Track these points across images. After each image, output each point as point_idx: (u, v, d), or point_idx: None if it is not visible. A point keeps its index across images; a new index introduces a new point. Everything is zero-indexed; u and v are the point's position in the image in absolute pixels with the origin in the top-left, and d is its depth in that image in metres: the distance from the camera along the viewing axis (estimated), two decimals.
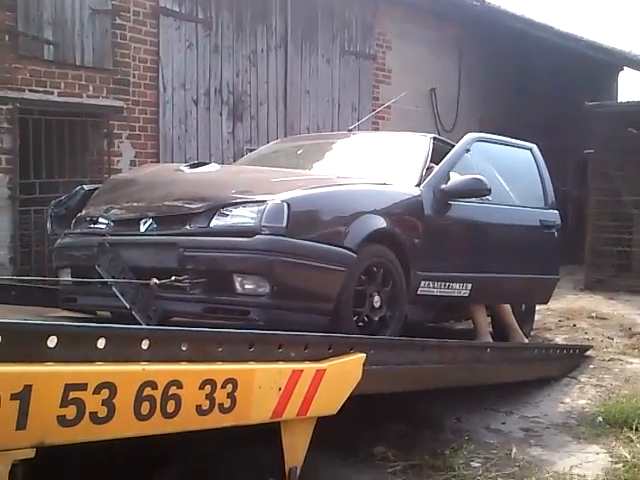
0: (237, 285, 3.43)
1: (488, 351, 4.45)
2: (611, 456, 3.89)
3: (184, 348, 2.58)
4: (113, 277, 3.57)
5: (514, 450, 3.97)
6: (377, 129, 9.17)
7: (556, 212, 5.39)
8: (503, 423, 4.45)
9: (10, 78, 6.02)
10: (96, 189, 4.41)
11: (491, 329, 5.42)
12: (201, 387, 2.55)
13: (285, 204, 3.46)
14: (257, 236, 3.40)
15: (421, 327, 4.88)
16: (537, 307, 6.34)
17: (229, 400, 2.64)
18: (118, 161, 6.87)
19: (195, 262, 3.49)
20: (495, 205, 4.83)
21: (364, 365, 3.24)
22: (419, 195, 4.27)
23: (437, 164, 4.59)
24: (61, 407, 2.12)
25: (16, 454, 2.04)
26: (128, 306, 3.49)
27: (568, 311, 7.48)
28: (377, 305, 3.81)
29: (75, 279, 3.89)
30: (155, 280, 3.45)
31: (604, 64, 11.98)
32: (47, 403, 2.09)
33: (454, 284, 4.43)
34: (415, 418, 4.36)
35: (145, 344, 2.44)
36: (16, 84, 6.06)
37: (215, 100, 7.71)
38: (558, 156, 11.88)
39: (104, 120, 6.75)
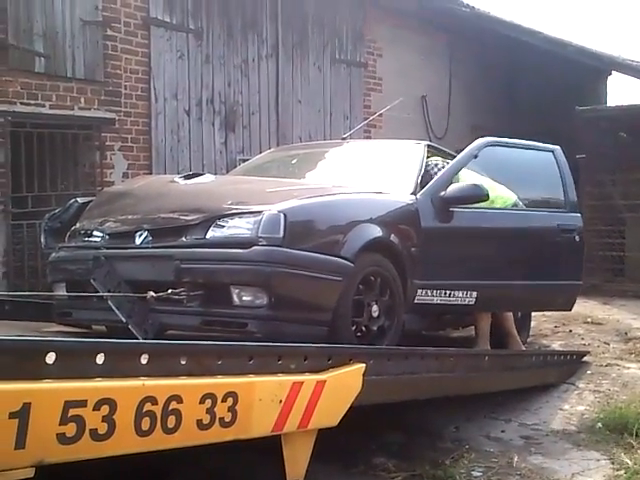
0: (234, 297, 3.40)
1: (486, 359, 4.44)
2: (612, 463, 3.88)
3: (183, 362, 2.55)
4: (109, 291, 3.54)
5: (515, 459, 3.95)
6: (369, 137, 9.17)
7: (578, 215, 5.17)
8: (503, 431, 4.43)
9: (1, 91, 5.99)
10: (90, 202, 4.38)
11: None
12: (201, 401, 2.52)
13: (282, 214, 3.44)
14: (254, 247, 3.38)
15: (417, 336, 4.86)
16: (533, 313, 6.33)
17: (230, 414, 2.61)
18: (111, 173, 6.84)
19: (192, 274, 3.47)
20: (503, 210, 4.76)
21: (364, 375, 3.22)
22: (415, 203, 4.26)
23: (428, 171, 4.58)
24: (61, 425, 2.09)
25: (15, 474, 2.01)
26: (124, 320, 3.47)
27: (564, 317, 7.46)
28: (375, 314, 3.79)
29: (70, 293, 3.85)
30: (152, 293, 3.42)
31: (593, 69, 12.01)
32: (46, 421, 2.06)
33: (457, 292, 4.35)
34: (414, 428, 4.34)
35: (144, 359, 2.41)
36: (7, 97, 6.03)
37: (207, 110, 7.70)
38: None
39: (96, 132, 6.72)
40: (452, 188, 4.34)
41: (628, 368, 5.55)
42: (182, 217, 3.61)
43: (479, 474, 3.80)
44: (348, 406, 3.12)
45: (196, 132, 7.58)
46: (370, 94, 9.75)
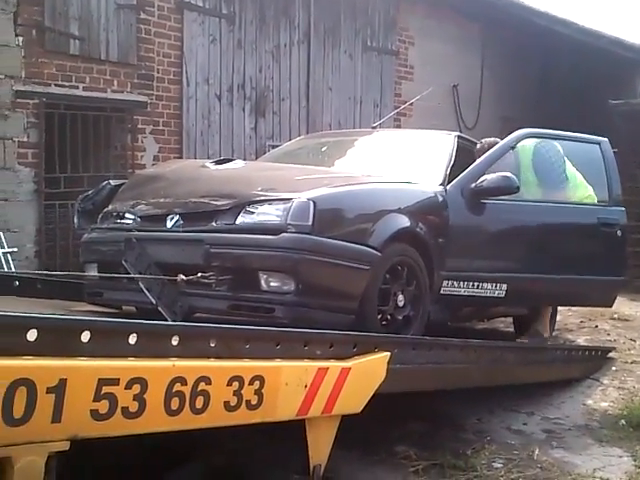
0: (262, 282, 3.44)
1: (510, 352, 4.44)
2: (634, 460, 3.88)
3: (213, 344, 2.60)
4: (139, 272, 3.60)
5: (536, 452, 3.97)
6: (399, 126, 9.15)
7: (621, 210, 5.02)
8: (525, 424, 4.44)
9: (37, 72, 6.07)
10: (122, 184, 4.44)
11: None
12: (229, 383, 2.58)
13: (311, 202, 3.47)
14: (283, 234, 3.41)
15: (442, 326, 4.87)
16: (559, 308, 6.30)
17: (256, 397, 2.67)
18: (142, 156, 6.91)
19: (221, 259, 3.51)
20: (538, 203, 4.72)
21: (388, 364, 3.25)
22: (444, 194, 4.26)
23: (458, 163, 4.57)
24: (94, 401, 2.16)
25: (52, 446, 2.08)
26: (154, 302, 3.52)
27: (590, 312, 7.41)
28: (401, 304, 3.81)
29: (102, 274, 3.92)
30: (181, 276, 3.47)
31: (627, 60, 11.84)
32: (81, 397, 2.13)
33: (485, 284, 4.34)
34: (436, 418, 4.36)
35: (175, 340, 2.47)
36: (42, 78, 6.11)
37: (238, 95, 7.73)
38: None
39: (128, 115, 6.79)
40: (481, 179, 4.33)
41: None
42: (213, 202, 3.65)
43: (500, 465, 3.82)
44: (372, 393, 3.15)
45: (226, 117, 7.62)
46: (401, 82, 9.71)
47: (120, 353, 2.30)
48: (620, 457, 3.94)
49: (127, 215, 3.95)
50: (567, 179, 4.97)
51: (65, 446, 2.10)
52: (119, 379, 2.22)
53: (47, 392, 2.04)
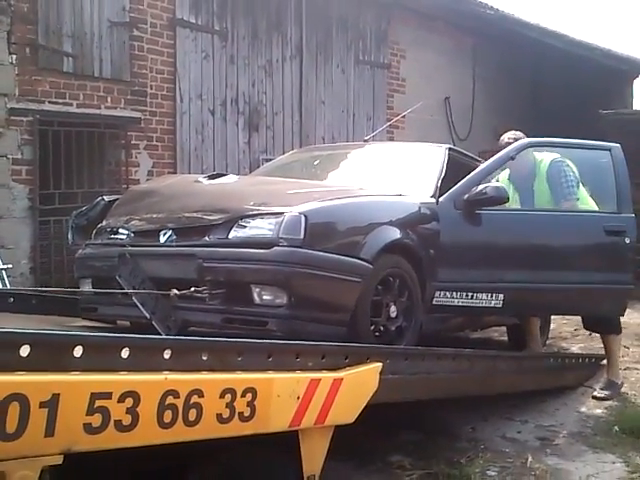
0: (255, 296, 3.47)
1: (503, 361, 4.47)
2: (627, 466, 3.91)
3: (205, 357, 2.63)
4: (133, 287, 3.63)
5: (530, 459, 3.99)
6: (392, 138, 9.22)
7: (630, 217, 4.92)
8: (519, 432, 4.46)
9: (30, 90, 6.14)
10: (116, 200, 4.47)
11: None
12: (221, 396, 2.60)
13: (302, 216, 3.50)
14: (275, 247, 3.44)
15: (436, 336, 4.90)
16: (553, 316, 6.34)
17: (249, 409, 2.68)
18: (136, 171, 6.97)
19: (214, 273, 3.54)
20: (537, 212, 4.75)
21: (380, 374, 3.27)
22: (435, 206, 4.30)
23: (449, 175, 4.61)
24: (87, 415, 2.18)
25: (45, 460, 2.10)
26: (148, 316, 3.55)
27: None
28: (393, 315, 3.84)
29: (96, 289, 3.96)
30: (175, 291, 3.50)
31: (618, 72, 11.97)
32: (74, 411, 2.15)
33: (480, 294, 4.34)
34: (431, 427, 4.39)
35: (167, 354, 2.49)
36: (36, 96, 6.17)
37: (231, 110, 7.80)
38: None
39: (122, 131, 6.85)
40: (472, 190, 4.37)
41: None
42: (205, 217, 3.69)
43: (494, 474, 3.85)
44: (364, 404, 3.18)
45: (220, 132, 7.69)
46: (393, 95, 9.80)
47: (112, 367, 2.32)
48: (613, 463, 3.96)
49: (121, 230, 3.99)
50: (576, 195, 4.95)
51: (58, 460, 2.13)
52: (112, 393, 2.25)
53: (40, 407, 2.06)
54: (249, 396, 2.68)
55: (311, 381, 2.93)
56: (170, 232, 3.72)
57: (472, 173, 4.51)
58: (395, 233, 3.94)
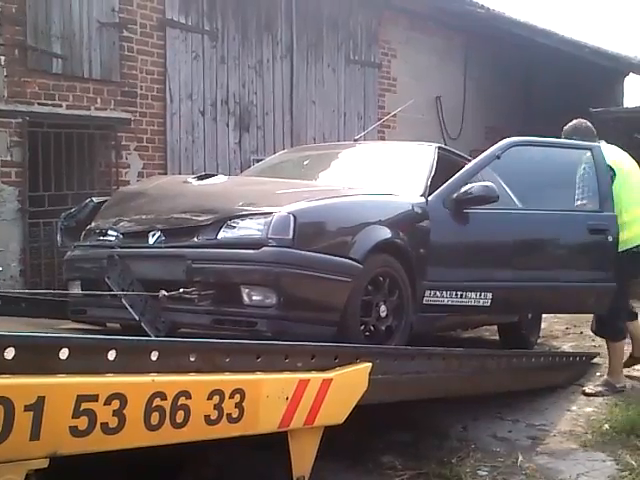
0: (244, 297, 3.46)
1: (494, 360, 4.47)
2: (617, 464, 3.91)
3: (192, 359, 2.62)
4: (122, 289, 3.62)
5: (520, 458, 3.99)
6: (383, 138, 9.22)
7: (612, 215, 4.92)
8: (510, 431, 4.46)
9: (19, 92, 6.11)
10: (105, 201, 4.46)
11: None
12: (209, 397, 2.59)
13: (291, 216, 3.50)
14: (264, 248, 3.44)
15: (427, 336, 4.90)
16: (544, 315, 6.35)
17: (237, 410, 2.68)
18: (126, 173, 6.94)
19: (203, 274, 3.54)
20: (522, 211, 4.74)
21: (370, 374, 3.27)
22: (424, 205, 4.30)
23: (439, 173, 4.61)
24: (73, 418, 2.17)
25: (30, 464, 2.09)
26: (137, 318, 3.54)
27: (575, 318, 7.46)
28: (383, 315, 3.84)
29: (85, 291, 3.94)
30: (164, 292, 3.49)
31: (609, 70, 12.00)
32: (60, 414, 2.14)
33: (470, 293, 4.34)
34: (421, 427, 4.39)
35: (154, 355, 2.48)
36: (25, 97, 6.15)
37: (222, 111, 7.78)
38: None
39: (112, 132, 6.82)
40: (462, 190, 4.37)
41: (638, 370, 5.57)
42: (194, 218, 3.68)
43: (485, 473, 3.84)
44: (354, 404, 3.17)
45: (210, 132, 7.67)
46: (384, 95, 9.80)
47: (99, 369, 2.31)
48: (604, 461, 3.96)
49: (110, 232, 3.98)
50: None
51: (44, 464, 2.11)
52: (98, 395, 2.24)
53: (25, 410, 2.05)
54: (237, 397, 2.67)
55: (300, 382, 2.93)
56: (159, 233, 3.72)
57: (460, 172, 4.51)
58: (385, 232, 3.95)
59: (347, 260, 3.68)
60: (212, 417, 2.59)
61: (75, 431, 2.17)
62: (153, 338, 3.25)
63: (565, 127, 5.39)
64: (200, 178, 4.26)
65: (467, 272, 4.44)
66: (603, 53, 11.64)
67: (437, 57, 10.54)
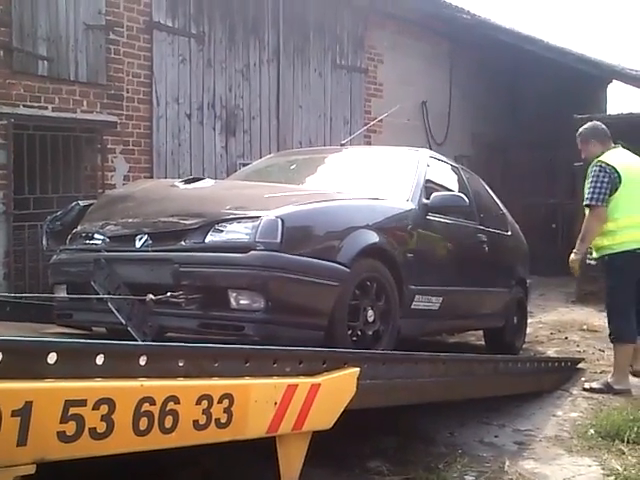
0: (232, 301, 3.45)
1: (480, 364, 4.49)
2: (603, 468, 3.92)
3: (181, 364, 2.60)
4: (109, 293, 3.60)
5: (507, 463, 3.99)
6: (369, 143, 9.24)
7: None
8: (496, 436, 4.47)
9: (5, 94, 6.07)
10: (91, 205, 4.43)
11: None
12: (198, 402, 2.57)
13: (279, 220, 3.50)
14: (251, 252, 3.43)
15: (415, 341, 4.91)
16: (529, 320, 6.38)
17: (225, 415, 2.66)
18: (112, 176, 6.91)
19: (190, 278, 3.52)
20: (456, 222, 4.99)
21: (358, 379, 3.26)
22: (411, 210, 4.33)
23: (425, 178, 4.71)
24: (61, 423, 2.14)
25: (17, 470, 2.06)
26: (124, 322, 3.52)
27: (560, 323, 7.53)
28: (371, 319, 3.85)
29: (71, 295, 3.91)
30: (151, 296, 3.47)
31: (593, 77, 12.09)
32: (47, 419, 2.11)
33: (433, 298, 4.56)
34: (408, 432, 4.38)
35: (143, 360, 2.45)
36: (10, 99, 6.11)
37: (208, 114, 7.77)
38: (549, 169, 12.02)
39: (98, 135, 6.79)
40: (434, 197, 4.47)
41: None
42: (181, 221, 3.66)
43: (471, 478, 3.84)
44: (342, 409, 3.16)
45: (197, 136, 7.65)
46: (371, 100, 9.83)
47: (87, 374, 2.28)
48: (589, 466, 3.98)
49: (96, 235, 3.95)
50: None
51: (31, 470, 2.08)
52: (86, 400, 2.21)
53: (12, 415, 2.02)
54: (226, 402, 2.65)
55: (288, 387, 2.91)
56: (146, 237, 3.69)
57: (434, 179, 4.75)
58: (372, 237, 3.95)
59: (335, 264, 3.68)
60: (201, 422, 2.57)
61: (63, 436, 2.14)
62: (142, 343, 3.22)
63: (581, 129, 5.40)
64: (187, 182, 4.24)
65: (432, 277, 4.57)
66: (587, 60, 11.73)
67: (423, 62, 10.59)
